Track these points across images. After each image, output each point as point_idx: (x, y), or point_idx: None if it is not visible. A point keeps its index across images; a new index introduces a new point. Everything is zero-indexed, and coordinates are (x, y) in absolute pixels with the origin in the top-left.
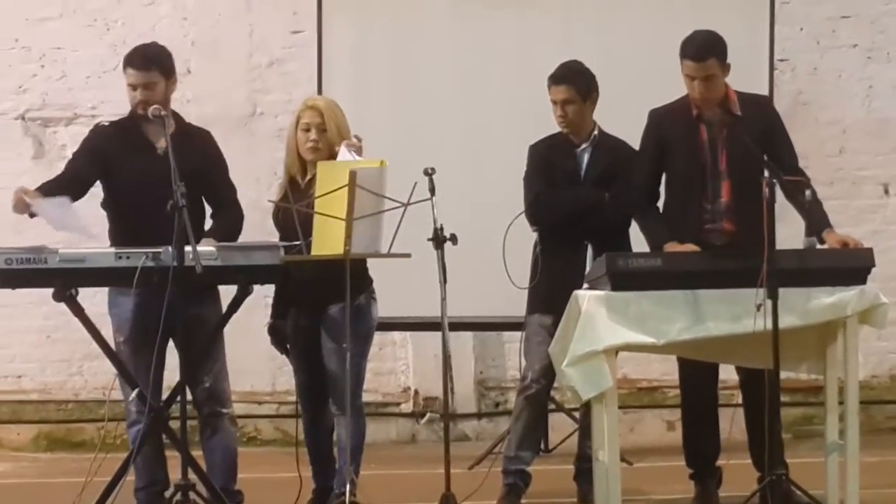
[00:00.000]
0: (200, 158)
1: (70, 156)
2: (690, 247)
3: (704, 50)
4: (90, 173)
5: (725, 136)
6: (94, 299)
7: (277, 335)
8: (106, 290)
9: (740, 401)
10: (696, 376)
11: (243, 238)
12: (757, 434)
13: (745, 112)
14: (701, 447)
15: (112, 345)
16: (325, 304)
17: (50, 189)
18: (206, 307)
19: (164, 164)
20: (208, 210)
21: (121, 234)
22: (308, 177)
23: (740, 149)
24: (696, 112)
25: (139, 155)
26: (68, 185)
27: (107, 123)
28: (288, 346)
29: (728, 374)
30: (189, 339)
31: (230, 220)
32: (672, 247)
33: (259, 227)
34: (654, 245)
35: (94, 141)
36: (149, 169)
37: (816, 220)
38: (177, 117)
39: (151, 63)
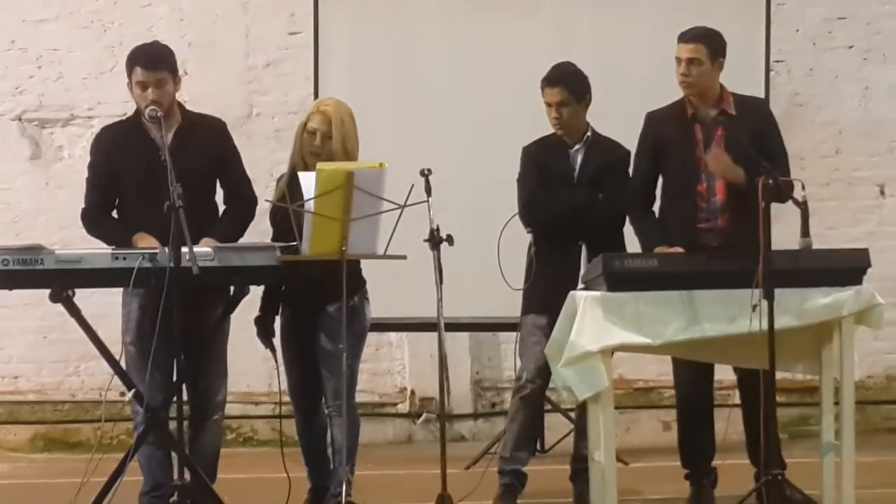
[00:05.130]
0: (207, 153)
1: (67, 156)
2: (676, 249)
3: (694, 34)
4: (113, 178)
5: (720, 134)
6: (91, 300)
7: (264, 328)
8: (102, 290)
9: (736, 401)
10: (691, 377)
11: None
12: (754, 433)
13: (739, 112)
14: (696, 447)
15: (108, 345)
16: (320, 304)
17: (105, 212)
18: (210, 309)
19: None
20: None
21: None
22: None
23: (735, 147)
24: (690, 112)
25: (143, 156)
26: (110, 195)
27: (109, 124)
28: (273, 340)
29: (723, 374)
30: (189, 340)
31: (235, 217)
32: (661, 251)
33: (255, 228)
34: (646, 248)
35: (101, 145)
36: (153, 170)
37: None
38: (182, 110)
39: (161, 62)
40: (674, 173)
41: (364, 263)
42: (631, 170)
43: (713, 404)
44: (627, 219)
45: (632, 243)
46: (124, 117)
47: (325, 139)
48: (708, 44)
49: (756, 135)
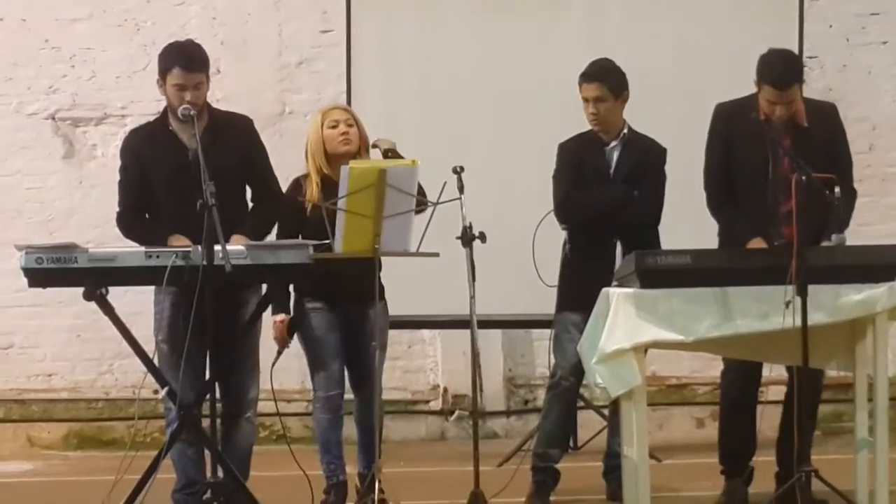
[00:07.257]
0: (235, 151)
1: (101, 155)
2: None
3: (787, 76)
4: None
5: (789, 144)
6: (124, 298)
7: (292, 330)
8: (136, 288)
9: (769, 398)
10: (740, 374)
11: (269, 237)
12: (786, 431)
13: (811, 122)
14: (737, 445)
15: (142, 343)
16: (363, 301)
17: (140, 214)
18: (242, 307)
19: (197, 164)
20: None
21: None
22: None
23: (805, 157)
24: (763, 117)
25: (171, 157)
26: (143, 197)
27: (137, 127)
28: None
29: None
30: (221, 338)
31: (262, 215)
32: (758, 244)
33: None
34: (733, 242)
35: (130, 148)
36: (181, 170)
37: (834, 220)
38: (210, 109)
39: (200, 64)
40: (741, 177)
41: (397, 261)
42: (704, 159)
43: (756, 402)
44: (708, 209)
45: (666, 240)
46: (153, 118)
47: (349, 126)
48: (799, 78)
49: (827, 144)
